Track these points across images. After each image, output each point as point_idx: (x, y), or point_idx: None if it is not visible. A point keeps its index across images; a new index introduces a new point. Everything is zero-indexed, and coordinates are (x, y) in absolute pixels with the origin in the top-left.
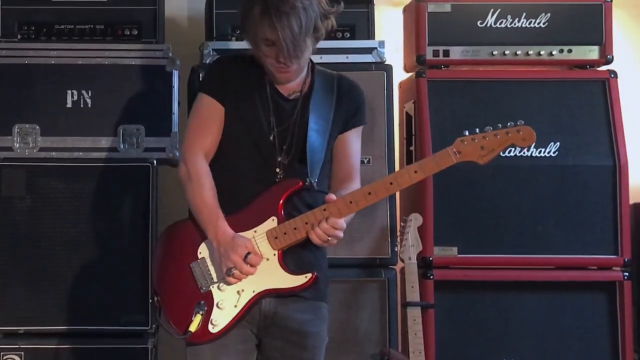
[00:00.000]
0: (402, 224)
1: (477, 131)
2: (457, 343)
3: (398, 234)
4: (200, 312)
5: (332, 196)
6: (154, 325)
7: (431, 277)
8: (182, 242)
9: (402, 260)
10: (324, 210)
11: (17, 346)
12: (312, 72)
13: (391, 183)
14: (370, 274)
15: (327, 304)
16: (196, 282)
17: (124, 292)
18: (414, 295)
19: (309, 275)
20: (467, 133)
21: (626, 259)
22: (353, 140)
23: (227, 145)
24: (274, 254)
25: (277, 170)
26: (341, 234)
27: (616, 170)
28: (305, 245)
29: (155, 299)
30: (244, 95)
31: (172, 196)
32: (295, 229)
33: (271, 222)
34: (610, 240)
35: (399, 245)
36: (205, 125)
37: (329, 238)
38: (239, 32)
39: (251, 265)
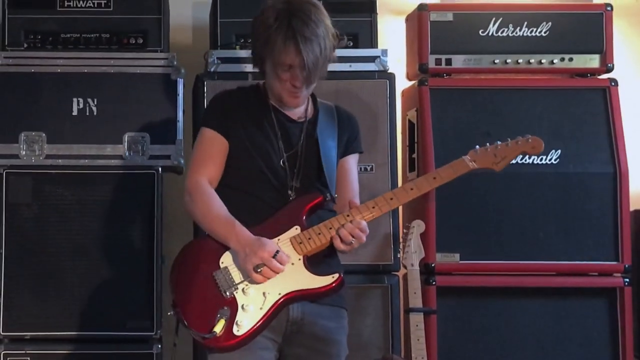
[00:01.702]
0: (404, 230)
1: (488, 144)
2: (459, 348)
3: (401, 240)
4: (224, 317)
5: (353, 201)
6: (159, 331)
7: (433, 283)
8: (203, 254)
9: (405, 267)
10: (347, 215)
11: (24, 351)
12: (314, 100)
13: (412, 189)
14: (373, 280)
15: (348, 310)
16: (219, 290)
17: (129, 298)
18: (416, 301)
19: (336, 275)
20: (478, 147)
21: (627, 266)
22: (352, 166)
23: (238, 172)
24: (299, 259)
25: (290, 192)
26: (364, 238)
27: (617, 177)
28: (328, 253)
29: (176, 309)
30: (250, 123)
31: (176, 203)
32: (319, 234)
33: (294, 230)
34: (610, 246)
35: (401, 252)
36: (208, 157)
37: (353, 240)
38: (243, 41)
39: (281, 264)
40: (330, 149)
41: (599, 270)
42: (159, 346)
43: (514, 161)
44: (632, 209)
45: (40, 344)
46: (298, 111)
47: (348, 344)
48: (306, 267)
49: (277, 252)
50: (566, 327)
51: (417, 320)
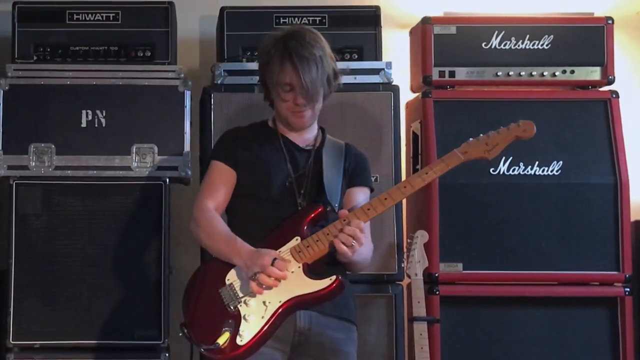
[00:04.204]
0: (408, 240)
1: (481, 135)
2: (462, 357)
3: (405, 250)
4: (229, 329)
5: (345, 211)
6: (166, 340)
7: (437, 292)
8: (210, 274)
9: (409, 276)
10: (344, 220)
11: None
12: (322, 133)
13: (405, 186)
14: (377, 289)
15: (357, 327)
16: (225, 304)
17: (137, 307)
18: (420, 310)
19: (333, 277)
20: (471, 139)
21: (627, 275)
22: (360, 197)
23: (247, 195)
24: (299, 267)
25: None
26: (364, 239)
27: (618, 188)
28: (329, 261)
29: (185, 330)
30: (258, 148)
31: (184, 213)
32: (317, 240)
33: (295, 241)
34: (611, 256)
35: (405, 262)
36: (215, 186)
37: (354, 242)
38: (249, 54)
39: (279, 270)
40: (334, 171)
41: (600, 280)
42: (167, 355)
43: (516, 171)
44: (632, 219)
45: (49, 353)
46: (306, 139)
47: None
48: (305, 274)
49: (275, 259)
50: (567, 336)
51: (420, 329)
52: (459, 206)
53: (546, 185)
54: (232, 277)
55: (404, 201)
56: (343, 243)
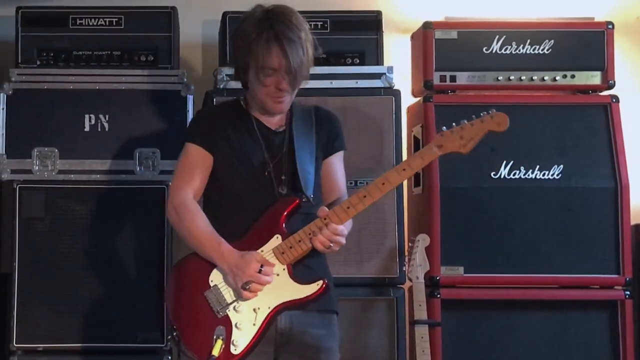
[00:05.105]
0: (410, 244)
1: (454, 125)
2: None
3: (406, 254)
4: (221, 337)
5: (324, 209)
6: (169, 343)
7: (438, 295)
8: (192, 274)
9: (410, 280)
10: (325, 219)
11: None
12: (290, 106)
13: (383, 183)
14: (379, 293)
15: (338, 313)
16: (212, 310)
17: (140, 310)
18: (421, 313)
19: (320, 282)
20: (444, 129)
21: (627, 279)
22: (337, 165)
23: (224, 186)
24: (284, 269)
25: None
26: (343, 240)
27: (618, 192)
28: (311, 257)
29: (174, 333)
30: (234, 136)
31: None
32: (299, 241)
33: (276, 240)
34: (612, 260)
35: (407, 265)
36: (192, 171)
37: (332, 244)
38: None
39: (267, 276)
40: (307, 152)
41: (601, 283)
42: (169, 357)
43: (517, 175)
44: (632, 223)
45: (52, 356)
46: (278, 120)
47: (355, 355)
48: (291, 277)
49: (262, 266)
50: (568, 339)
51: (422, 332)
52: (460, 210)
53: (547, 189)
54: (215, 278)
55: (405, 204)
56: (322, 244)
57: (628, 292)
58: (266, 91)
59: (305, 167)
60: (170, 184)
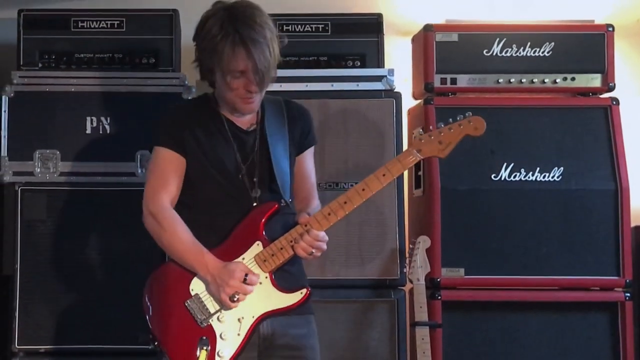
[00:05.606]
0: (410, 246)
1: (431, 128)
2: None
3: (407, 256)
4: (205, 348)
5: (305, 215)
6: None
7: (439, 297)
8: (171, 283)
9: (411, 281)
10: (306, 225)
11: None
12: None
13: (363, 189)
14: (380, 294)
15: (314, 314)
16: (195, 319)
17: (141, 312)
18: (422, 315)
19: (304, 290)
20: (422, 131)
21: (627, 280)
22: (308, 160)
23: (197, 190)
24: (266, 277)
25: (255, 204)
26: (324, 246)
27: (618, 194)
28: (293, 263)
29: (155, 343)
30: (205, 138)
31: None
32: (281, 248)
33: (257, 247)
34: (612, 262)
35: (407, 267)
36: (166, 176)
37: (313, 250)
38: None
39: (251, 285)
40: (282, 152)
41: (601, 285)
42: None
43: (517, 178)
44: (632, 225)
45: (54, 357)
46: (247, 120)
47: (355, 357)
48: (274, 285)
49: (247, 275)
50: (568, 341)
51: (423, 334)
52: (461, 212)
53: (547, 191)
54: (196, 287)
55: (406, 206)
56: (304, 251)
57: (628, 294)
58: (235, 94)
59: (281, 168)
60: (144, 190)
